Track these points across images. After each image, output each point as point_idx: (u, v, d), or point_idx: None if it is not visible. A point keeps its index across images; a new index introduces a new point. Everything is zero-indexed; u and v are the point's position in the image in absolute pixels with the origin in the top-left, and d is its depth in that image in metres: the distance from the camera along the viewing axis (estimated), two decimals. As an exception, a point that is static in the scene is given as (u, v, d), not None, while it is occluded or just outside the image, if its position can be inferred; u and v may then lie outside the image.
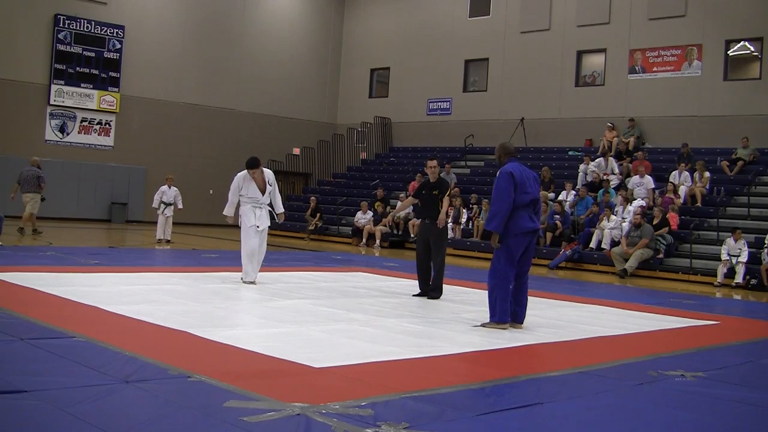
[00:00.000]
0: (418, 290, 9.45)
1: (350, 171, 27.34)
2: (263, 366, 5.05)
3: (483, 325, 7.14)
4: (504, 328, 7.04)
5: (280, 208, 9.95)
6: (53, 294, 7.49)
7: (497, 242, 7.02)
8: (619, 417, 4.36)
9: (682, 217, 16.97)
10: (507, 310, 7.06)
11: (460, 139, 24.86)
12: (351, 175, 26.90)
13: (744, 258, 14.39)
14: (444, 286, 9.41)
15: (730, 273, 14.55)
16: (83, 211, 22.98)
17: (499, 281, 7.06)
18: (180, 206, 17.18)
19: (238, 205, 9.85)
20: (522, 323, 7.24)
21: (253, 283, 9.46)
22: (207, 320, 6.65)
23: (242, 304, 8.12)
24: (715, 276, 14.74)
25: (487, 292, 7.23)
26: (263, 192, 9.66)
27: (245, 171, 9.64)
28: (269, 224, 9.80)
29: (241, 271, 9.65)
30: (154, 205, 17.03)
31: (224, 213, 9.92)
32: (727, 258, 14.57)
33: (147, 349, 5.25)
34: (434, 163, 9.50)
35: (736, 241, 14.55)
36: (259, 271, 9.70)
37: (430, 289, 9.28)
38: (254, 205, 9.61)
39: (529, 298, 7.40)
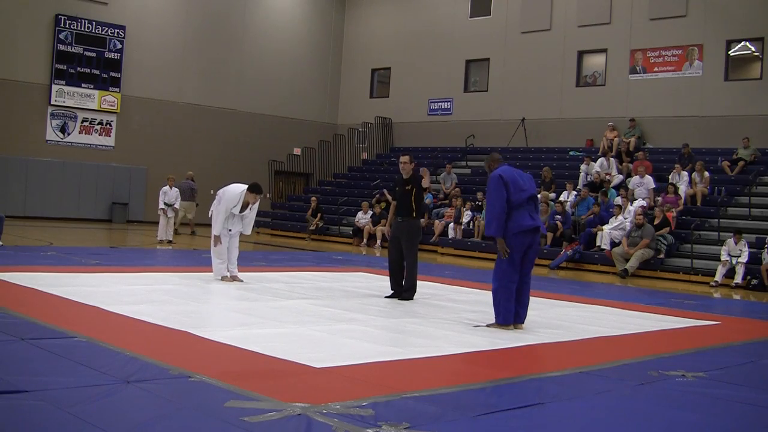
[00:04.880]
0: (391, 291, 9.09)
1: (351, 171, 27.32)
2: (264, 366, 5.04)
3: (488, 326, 7.13)
4: (508, 330, 7.02)
5: (248, 231, 9.94)
6: (54, 294, 7.48)
7: (504, 247, 6.89)
8: (619, 417, 4.36)
9: (683, 217, 16.96)
10: (511, 312, 7.02)
11: (461, 139, 24.85)
12: (352, 175, 26.88)
13: (744, 258, 14.36)
14: (445, 286, 9.39)
15: (731, 273, 14.53)
16: (84, 211, 22.96)
17: (503, 283, 7.00)
18: (177, 206, 17.24)
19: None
20: (522, 323, 7.21)
21: (224, 279, 9.58)
22: (207, 320, 6.65)
23: (243, 304, 8.10)
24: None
25: (491, 293, 7.20)
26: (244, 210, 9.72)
27: (243, 190, 9.56)
28: (240, 230, 9.82)
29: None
30: (161, 206, 17.03)
31: (216, 233, 9.58)
32: (727, 258, 14.55)
33: (148, 349, 5.25)
34: (406, 158, 9.13)
35: (736, 243, 14.53)
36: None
37: (403, 290, 8.92)
38: (232, 212, 9.69)
39: (530, 298, 7.37)
